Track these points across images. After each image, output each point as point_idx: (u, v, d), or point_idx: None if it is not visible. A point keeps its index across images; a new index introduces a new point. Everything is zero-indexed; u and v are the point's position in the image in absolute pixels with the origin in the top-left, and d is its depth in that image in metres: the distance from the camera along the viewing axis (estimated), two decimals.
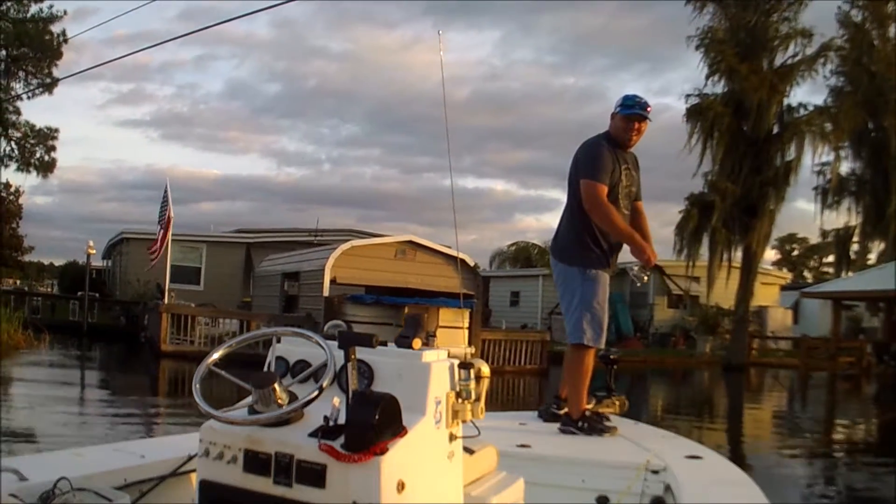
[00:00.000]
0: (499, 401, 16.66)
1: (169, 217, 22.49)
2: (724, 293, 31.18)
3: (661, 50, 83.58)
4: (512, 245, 43.25)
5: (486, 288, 34.83)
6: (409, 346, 2.47)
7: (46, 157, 33.08)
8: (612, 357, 5.99)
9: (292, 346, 2.54)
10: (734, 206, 29.11)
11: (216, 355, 2.45)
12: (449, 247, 23.07)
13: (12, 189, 36.31)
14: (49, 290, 41.15)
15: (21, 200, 38.32)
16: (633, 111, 4.78)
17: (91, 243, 28.23)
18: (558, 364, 21.02)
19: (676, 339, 33.14)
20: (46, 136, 32.81)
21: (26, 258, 43.66)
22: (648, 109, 4.82)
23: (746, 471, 3.97)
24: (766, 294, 35.88)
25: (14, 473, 2.49)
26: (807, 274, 57.94)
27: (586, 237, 4.85)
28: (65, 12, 30.59)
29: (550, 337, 25.84)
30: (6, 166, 32.87)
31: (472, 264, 24.88)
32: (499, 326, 28.10)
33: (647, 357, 28.78)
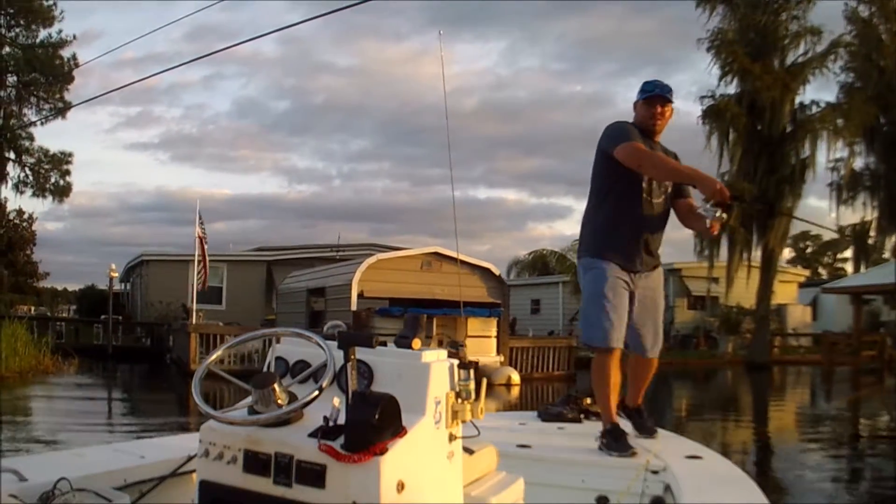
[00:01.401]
0: (529, 407, 16.69)
1: (198, 237, 22.58)
2: (744, 293, 31.24)
3: (667, 52, 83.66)
4: (531, 253, 43.28)
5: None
6: (409, 347, 2.47)
7: (61, 182, 33.17)
8: None
9: (292, 346, 2.54)
10: (751, 204, 29.14)
11: (216, 355, 2.46)
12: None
13: (25, 216, 36.34)
14: (67, 314, 41.12)
15: (34, 227, 38.37)
16: (653, 94, 4.43)
17: (113, 266, 28.40)
18: (584, 369, 21.17)
19: (698, 341, 33.14)
20: (61, 161, 32.87)
21: (42, 284, 43.79)
22: (671, 93, 4.46)
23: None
24: (785, 292, 35.88)
25: (14, 474, 2.49)
26: (821, 270, 57.88)
27: (595, 224, 4.52)
28: (74, 37, 30.66)
29: (577, 342, 25.86)
30: (21, 192, 32.86)
31: (497, 273, 24.89)
32: (525, 334, 28.15)
33: (671, 359, 28.79)
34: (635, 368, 4.70)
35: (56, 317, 35.22)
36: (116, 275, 28.61)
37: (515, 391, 20.49)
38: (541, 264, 42.84)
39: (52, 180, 32.71)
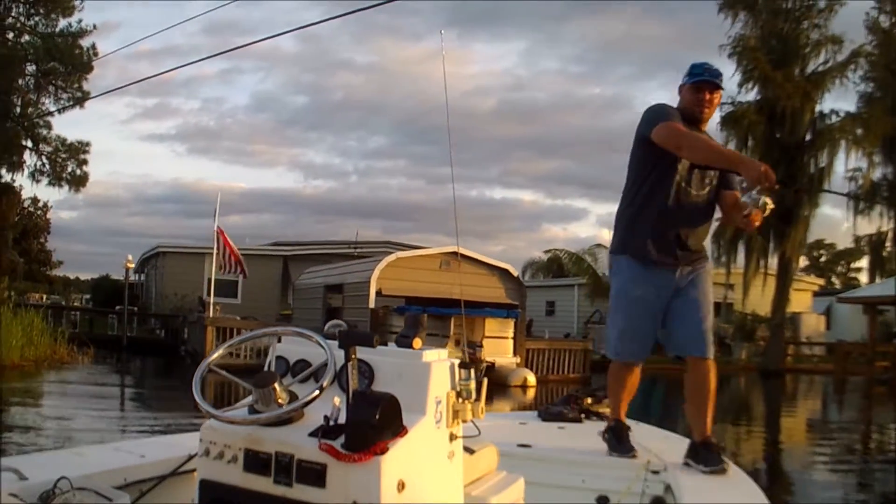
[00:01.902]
0: None
1: (218, 230, 22.67)
2: (759, 300, 31.21)
3: (685, 57, 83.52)
4: (548, 251, 43.23)
5: None
6: (410, 346, 2.47)
7: (78, 172, 33.04)
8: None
9: (292, 345, 2.54)
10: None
11: (216, 354, 2.45)
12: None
13: (40, 204, 36.34)
14: (80, 304, 41.28)
15: (48, 215, 38.39)
16: (702, 78, 4.04)
17: (130, 257, 28.39)
18: (599, 372, 21.15)
19: None
20: (78, 150, 32.79)
21: (55, 272, 43.91)
22: (720, 78, 4.10)
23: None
24: (799, 300, 35.79)
25: (14, 473, 2.48)
26: (835, 280, 57.79)
27: (626, 218, 4.17)
28: (94, 27, 30.65)
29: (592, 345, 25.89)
30: (38, 181, 32.85)
31: (515, 274, 24.90)
32: (541, 336, 28.18)
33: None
34: (688, 377, 4.10)
35: (70, 306, 35.31)
36: (133, 265, 28.64)
37: (531, 393, 20.49)
38: (556, 266, 42.79)
39: (69, 169, 32.61)
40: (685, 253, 4.05)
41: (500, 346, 22.92)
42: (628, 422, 4.28)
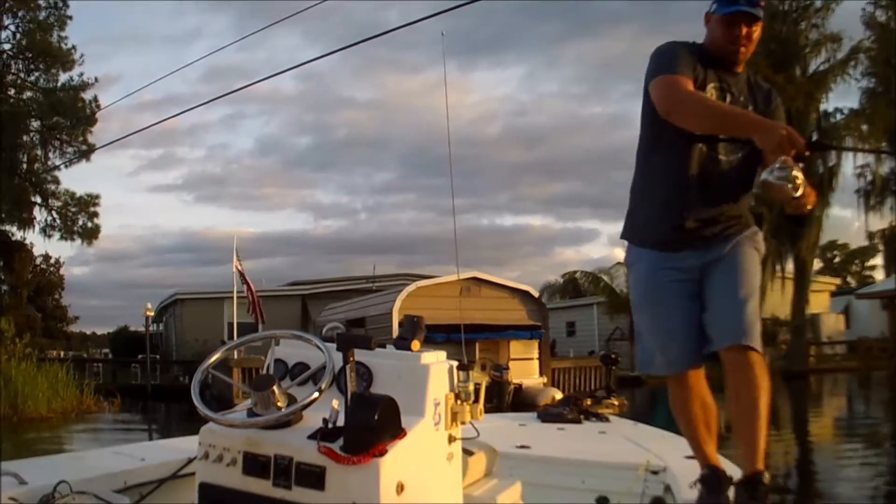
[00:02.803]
0: None
1: (238, 271, 22.72)
2: (778, 304, 31.15)
3: None
4: (566, 275, 43.23)
5: None
6: (408, 349, 2.49)
7: (89, 224, 33.07)
8: (612, 356, 5.93)
9: (291, 348, 2.55)
10: (781, 215, 29.10)
11: (214, 358, 2.48)
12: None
13: (52, 261, 36.40)
14: (99, 356, 41.33)
15: (61, 271, 38.45)
16: (736, 8, 2.98)
17: (149, 305, 28.38)
18: (625, 388, 21.07)
19: None
20: (88, 203, 32.84)
21: (71, 328, 43.94)
22: (761, 4, 3.00)
23: None
24: (817, 301, 35.72)
25: (14, 477, 2.50)
26: (850, 279, 57.64)
27: (636, 195, 3.26)
28: (95, 79, 30.81)
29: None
30: (49, 236, 32.92)
31: (536, 296, 24.92)
32: (567, 355, 28.21)
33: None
34: (727, 378, 2.92)
35: (92, 358, 35.30)
36: (152, 314, 28.67)
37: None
38: (571, 287, 42.82)
39: (80, 222, 32.69)
40: (713, 229, 3.07)
41: (526, 368, 22.94)
42: (627, 422, 4.16)
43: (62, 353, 36.36)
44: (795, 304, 30.34)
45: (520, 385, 20.40)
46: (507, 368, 21.74)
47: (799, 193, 2.73)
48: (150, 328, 32.89)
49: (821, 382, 28.36)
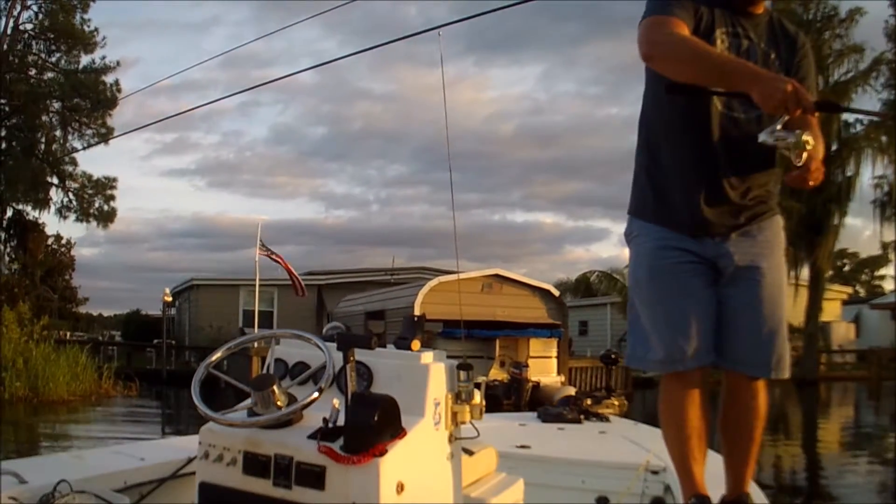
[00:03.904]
0: None
1: (269, 256, 22.72)
2: (791, 311, 31.19)
3: None
4: (590, 272, 43.12)
5: None
6: (408, 348, 2.48)
7: (106, 207, 33.04)
8: (612, 356, 5.92)
9: (291, 348, 2.55)
10: (799, 223, 29.24)
11: (215, 357, 2.48)
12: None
13: (63, 241, 36.37)
14: (102, 338, 41.33)
15: (71, 252, 38.42)
16: None
17: (167, 290, 28.40)
18: (640, 388, 21.14)
19: None
20: (105, 186, 32.79)
21: (81, 309, 43.93)
22: None
23: None
24: (828, 310, 35.77)
25: (14, 476, 2.49)
26: (859, 288, 57.74)
27: (639, 163, 2.81)
28: (117, 63, 30.82)
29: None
30: (65, 217, 32.87)
31: (556, 294, 24.96)
32: (584, 354, 28.26)
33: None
34: (733, 398, 2.72)
35: (107, 341, 35.31)
36: (170, 299, 28.65)
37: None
38: (584, 286, 42.83)
39: (97, 205, 32.67)
40: (733, 210, 2.63)
41: (544, 366, 22.99)
42: (626, 422, 4.05)
43: (68, 334, 36.35)
44: (809, 312, 30.41)
45: (538, 383, 20.47)
46: (527, 366, 21.82)
47: (801, 163, 2.30)
48: (160, 313, 32.91)
49: (831, 390, 28.47)
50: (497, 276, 23.68)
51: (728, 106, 2.56)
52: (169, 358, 28.96)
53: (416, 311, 22.47)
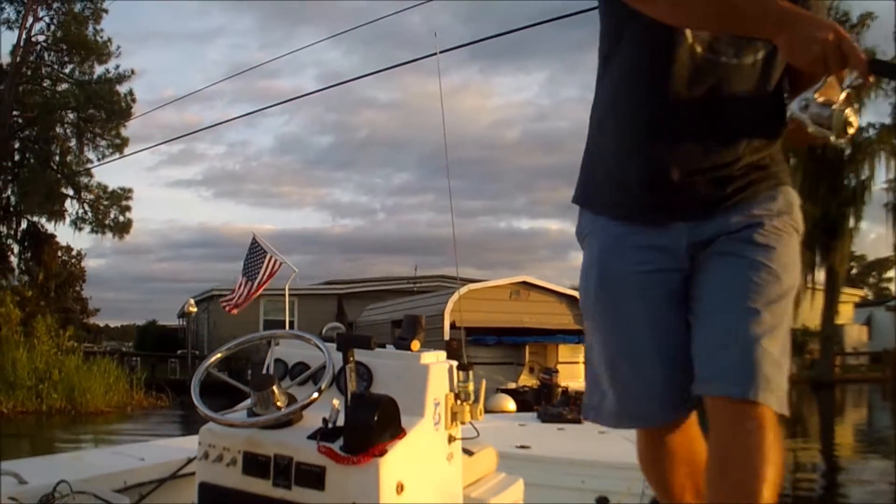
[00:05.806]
0: None
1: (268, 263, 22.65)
2: (807, 314, 31.45)
3: None
4: None
5: None
6: (408, 348, 2.48)
7: (121, 218, 32.89)
8: None
9: (291, 348, 2.56)
10: (815, 227, 29.50)
11: (214, 358, 2.50)
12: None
13: (73, 253, 36.28)
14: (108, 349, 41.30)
15: (82, 263, 38.27)
16: None
17: (192, 300, 28.28)
18: None
19: None
20: (120, 197, 32.67)
21: (92, 320, 43.72)
22: None
23: None
24: (841, 312, 36.05)
25: (13, 476, 2.50)
26: (866, 290, 58.05)
27: (592, 133, 2.03)
28: (132, 72, 30.77)
29: None
30: (80, 229, 32.74)
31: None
32: None
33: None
34: (710, 440, 1.74)
35: (130, 352, 35.22)
36: (195, 309, 28.58)
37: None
38: None
39: (112, 216, 32.56)
40: (724, 180, 1.81)
41: (572, 371, 23.10)
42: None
43: (74, 345, 36.39)
44: (825, 315, 30.64)
45: (566, 388, 20.60)
46: (557, 371, 21.95)
47: (844, 140, 1.64)
48: (179, 323, 32.87)
49: (846, 392, 28.68)
50: (525, 283, 23.83)
51: (711, 48, 1.77)
52: (194, 368, 28.93)
53: (447, 319, 22.66)
